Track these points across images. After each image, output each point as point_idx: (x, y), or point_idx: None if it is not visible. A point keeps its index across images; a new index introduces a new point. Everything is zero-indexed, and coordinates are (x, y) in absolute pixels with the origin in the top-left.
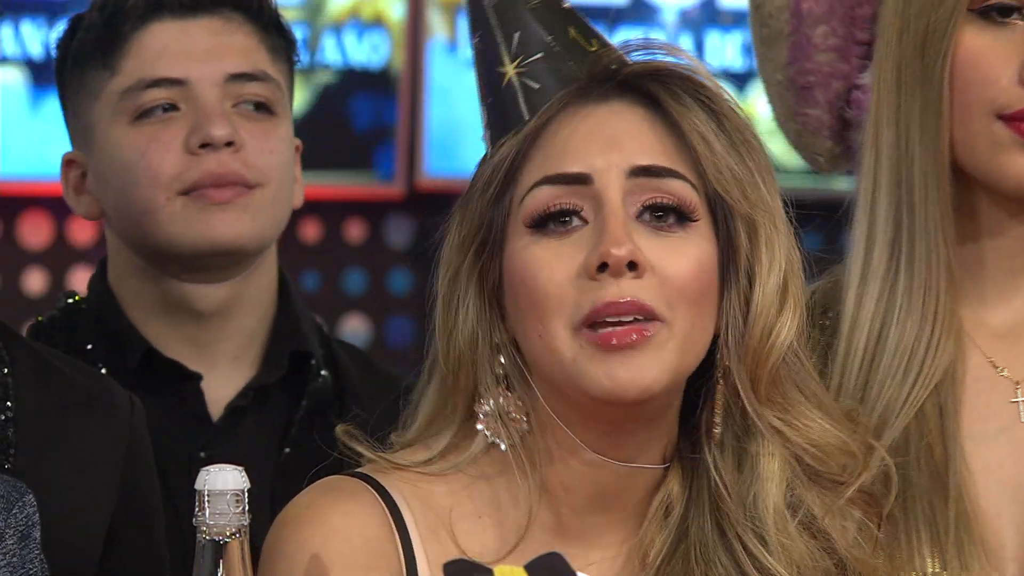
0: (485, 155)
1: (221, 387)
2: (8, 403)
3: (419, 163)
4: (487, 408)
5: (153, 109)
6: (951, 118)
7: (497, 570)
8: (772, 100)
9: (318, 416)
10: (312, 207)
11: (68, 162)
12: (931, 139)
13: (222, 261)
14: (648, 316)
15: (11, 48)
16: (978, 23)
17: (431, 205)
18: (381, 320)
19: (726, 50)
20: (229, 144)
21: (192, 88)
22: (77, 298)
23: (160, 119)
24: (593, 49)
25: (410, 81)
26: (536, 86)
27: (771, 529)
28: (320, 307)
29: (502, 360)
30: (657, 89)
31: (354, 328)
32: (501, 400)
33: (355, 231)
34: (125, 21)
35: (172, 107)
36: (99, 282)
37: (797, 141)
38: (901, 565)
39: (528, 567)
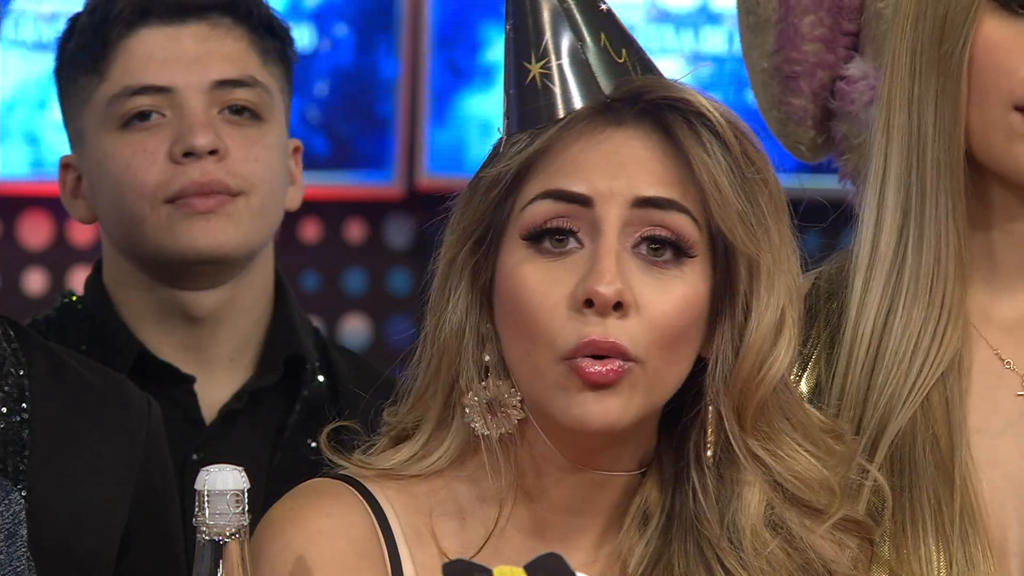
0: (499, 142)
1: (216, 390)
2: (24, 404)
3: (419, 163)
4: (475, 399)
5: (138, 117)
6: (967, 106)
7: (497, 571)
8: (756, 88)
9: (312, 421)
10: (312, 207)
11: (65, 165)
12: (947, 126)
13: (209, 269)
14: (625, 358)
15: None
16: (998, 13)
17: (431, 205)
18: (381, 320)
19: None
20: (213, 152)
21: (177, 96)
22: (74, 298)
23: (145, 127)
24: (622, 61)
25: (410, 80)
26: (557, 90)
27: (749, 549)
28: (320, 307)
29: (490, 349)
30: (674, 120)
31: (354, 328)
32: (495, 389)
33: (355, 231)
34: (113, 27)
35: (158, 114)
36: (95, 283)
37: (780, 130)
38: (907, 557)
39: (528, 567)
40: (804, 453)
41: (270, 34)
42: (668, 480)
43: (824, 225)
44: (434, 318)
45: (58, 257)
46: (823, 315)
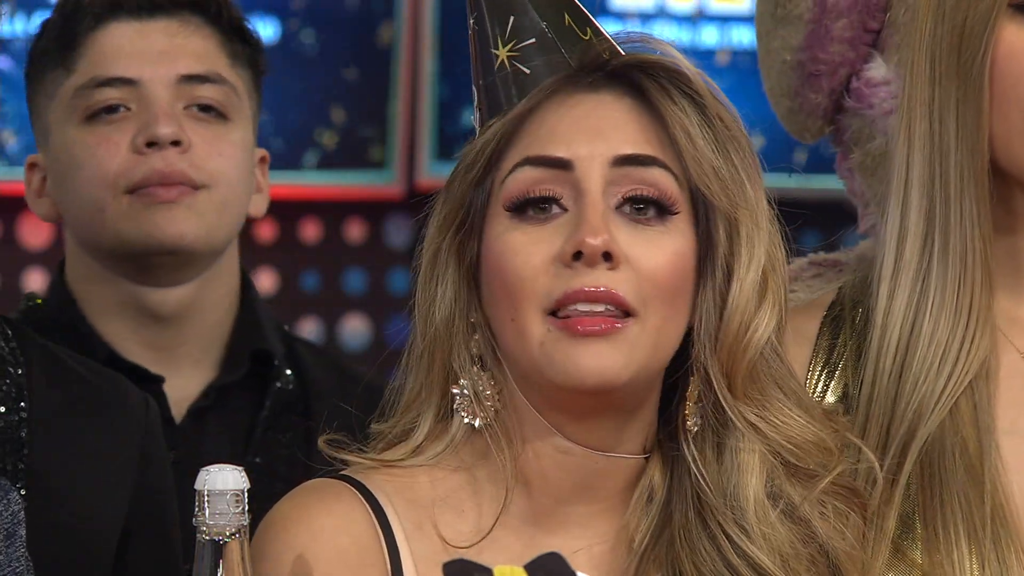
0: (472, 136)
1: (183, 389)
2: (22, 403)
3: (419, 163)
4: (462, 388)
5: (104, 109)
6: (989, 113)
7: (497, 570)
8: (770, 75)
9: (282, 416)
10: (312, 207)
11: (31, 165)
12: (970, 134)
13: (170, 261)
14: (621, 307)
15: None
16: (1018, 20)
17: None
18: (381, 320)
19: None
20: (176, 144)
21: (143, 88)
22: (38, 301)
23: (111, 119)
24: (587, 38)
25: (410, 80)
26: (527, 71)
27: (752, 518)
28: (320, 307)
29: (477, 340)
30: (645, 81)
31: (354, 328)
32: (475, 379)
33: (355, 231)
34: (82, 20)
35: (125, 108)
36: (58, 285)
37: (787, 117)
38: (940, 561)
39: (527, 567)
40: (797, 418)
41: (240, 39)
42: (668, 459)
43: (837, 231)
44: (422, 314)
45: (58, 257)
46: (849, 324)
